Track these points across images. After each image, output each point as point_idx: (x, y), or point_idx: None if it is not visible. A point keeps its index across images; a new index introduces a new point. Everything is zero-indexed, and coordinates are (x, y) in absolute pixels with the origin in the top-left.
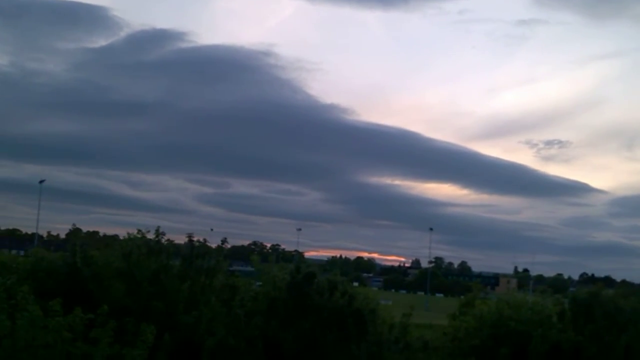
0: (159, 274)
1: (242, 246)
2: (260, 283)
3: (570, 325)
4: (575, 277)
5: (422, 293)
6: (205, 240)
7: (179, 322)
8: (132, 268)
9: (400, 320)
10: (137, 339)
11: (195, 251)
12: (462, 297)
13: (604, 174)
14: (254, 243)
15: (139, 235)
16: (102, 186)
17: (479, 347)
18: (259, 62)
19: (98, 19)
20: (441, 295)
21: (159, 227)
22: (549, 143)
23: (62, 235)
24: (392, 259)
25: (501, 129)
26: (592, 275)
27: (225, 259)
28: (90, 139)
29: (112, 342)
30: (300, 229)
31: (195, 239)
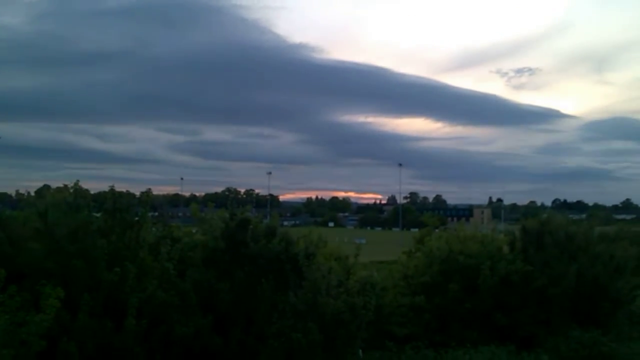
0: (78, 231)
1: (216, 193)
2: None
3: (521, 255)
4: (548, 203)
5: (398, 229)
6: (128, 192)
7: (101, 280)
8: (50, 227)
9: (343, 263)
10: (42, 303)
11: (117, 204)
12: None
13: (575, 99)
14: (228, 189)
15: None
16: (71, 141)
17: (429, 284)
18: (223, 3)
19: None
20: (416, 230)
21: (77, 180)
22: (519, 71)
23: (33, 193)
24: (369, 197)
25: (471, 60)
26: (565, 200)
27: (153, 209)
28: (55, 93)
29: (19, 307)
30: (270, 173)
31: (117, 190)
